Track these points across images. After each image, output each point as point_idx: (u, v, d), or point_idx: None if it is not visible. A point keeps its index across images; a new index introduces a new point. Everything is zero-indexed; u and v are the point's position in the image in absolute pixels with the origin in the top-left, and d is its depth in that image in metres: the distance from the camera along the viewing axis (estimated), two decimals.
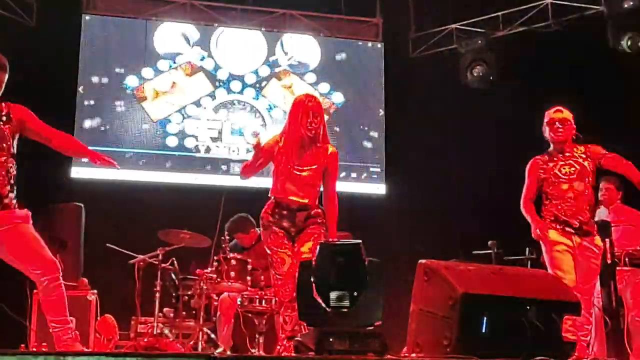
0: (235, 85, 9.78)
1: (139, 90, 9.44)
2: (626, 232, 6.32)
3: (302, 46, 10.05)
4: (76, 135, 8.84)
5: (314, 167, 5.04)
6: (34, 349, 5.97)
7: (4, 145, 4.41)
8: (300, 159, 5.05)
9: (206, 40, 9.78)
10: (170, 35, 9.74)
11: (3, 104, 4.51)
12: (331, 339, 3.57)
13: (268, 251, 5.05)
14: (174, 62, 9.65)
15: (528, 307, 3.80)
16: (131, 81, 9.41)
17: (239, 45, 9.92)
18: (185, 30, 9.78)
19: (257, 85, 9.84)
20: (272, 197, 5.09)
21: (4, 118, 4.48)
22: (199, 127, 9.58)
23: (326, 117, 5.56)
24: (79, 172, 8.82)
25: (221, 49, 9.86)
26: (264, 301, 5.88)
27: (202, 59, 9.75)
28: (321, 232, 5.02)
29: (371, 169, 9.65)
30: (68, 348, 4.03)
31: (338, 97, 9.90)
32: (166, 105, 9.55)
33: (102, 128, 9.14)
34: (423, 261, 3.95)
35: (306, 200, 5.02)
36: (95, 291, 6.60)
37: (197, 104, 9.62)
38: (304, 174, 5.03)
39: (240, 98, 9.77)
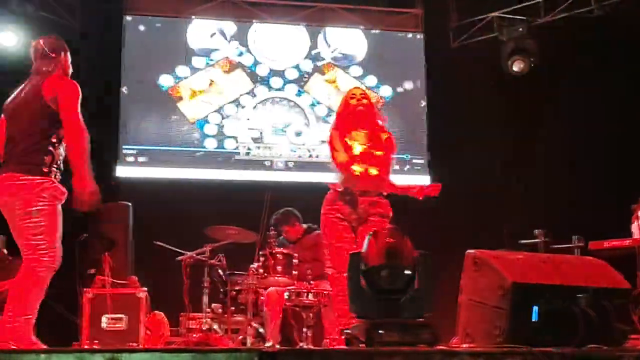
0: (276, 82, 9.65)
1: (174, 89, 9.34)
2: None
3: (347, 37, 9.91)
4: (121, 135, 8.98)
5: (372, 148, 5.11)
6: (86, 347, 6.08)
7: None
8: (356, 139, 5.11)
9: (244, 35, 9.66)
10: (206, 30, 9.59)
11: None
12: (381, 331, 3.57)
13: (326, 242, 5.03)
14: (211, 59, 9.53)
15: (579, 295, 3.76)
16: (165, 80, 9.32)
17: (279, 39, 9.77)
18: (221, 24, 9.65)
19: (299, 80, 9.70)
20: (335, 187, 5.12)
21: None
22: (239, 127, 9.44)
23: None
24: (124, 171, 8.93)
25: (260, 43, 9.73)
26: (311, 295, 5.88)
27: (240, 54, 9.63)
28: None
29: (414, 161, 9.60)
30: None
31: (386, 91, 9.79)
32: (203, 105, 9.42)
33: (145, 128, 9.20)
34: (471, 251, 3.93)
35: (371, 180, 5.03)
36: (145, 288, 6.67)
37: (237, 103, 9.50)
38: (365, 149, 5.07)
39: (282, 95, 9.64)
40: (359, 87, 5.43)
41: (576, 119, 8.93)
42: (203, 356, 3.04)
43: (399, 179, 9.09)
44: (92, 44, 8.69)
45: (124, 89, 9.10)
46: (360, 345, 3.64)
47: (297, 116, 9.61)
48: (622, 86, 8.63)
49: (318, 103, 9.66)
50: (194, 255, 6.74)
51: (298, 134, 9.51)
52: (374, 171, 5.05)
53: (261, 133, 9.50)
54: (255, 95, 9.59)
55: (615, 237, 6.89)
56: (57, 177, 4.37)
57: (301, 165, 9.41)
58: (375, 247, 3.93)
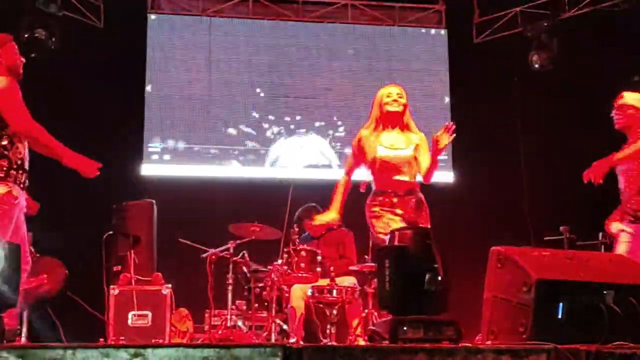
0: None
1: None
2: None
3: None
4: (146, 133, 9.03)
5: (407, 148, 5.10)
6: (113, 342, 6.12)
7: None
8: (392, 141, 5.11)
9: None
10: None
11: None
12: (405, 328, 3.56)
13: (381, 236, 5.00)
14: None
15: (605, 292, 3.73)
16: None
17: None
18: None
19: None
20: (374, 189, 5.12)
21: None
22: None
23: None
24: (149, 169, 8.98)
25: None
26: (334, 291, 5.88)
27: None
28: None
29: (438, 157, 9.54)
30: None
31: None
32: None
33: (170, 126, 9.24)
34: (496, 248, 3.91)
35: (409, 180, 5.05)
36: (170, 285, 6.71)
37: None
38: (401, 154, 5.06)
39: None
40: (396, 86, 5.38)
41: (602, 114, 8.83)
42: (227, 351, 3.05)
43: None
44: (116, 43, 8.75)
45: (148, 88, 9.14)
46: (384, 342, 3.64)
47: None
48: None
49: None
50: (218, 252, 6.77)
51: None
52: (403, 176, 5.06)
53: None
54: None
55: None
56: (18, 180, 4.32)
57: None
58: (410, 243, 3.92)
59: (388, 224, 4.97)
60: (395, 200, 5.06)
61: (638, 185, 5.03)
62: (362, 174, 5.31)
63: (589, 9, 8.93)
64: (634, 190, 5.02)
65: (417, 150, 5.16)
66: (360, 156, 5.22)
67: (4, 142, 4.25)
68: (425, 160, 5.16)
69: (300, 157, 9.40)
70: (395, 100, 5.15)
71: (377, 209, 5.07)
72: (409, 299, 3.76)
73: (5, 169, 4.24)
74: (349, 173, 5.38)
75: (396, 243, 3.96)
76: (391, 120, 5.18)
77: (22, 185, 4.36)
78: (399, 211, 5.03)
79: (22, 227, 4.45)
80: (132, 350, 3.04)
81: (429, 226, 4.96)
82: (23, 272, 4.17)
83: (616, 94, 5.38)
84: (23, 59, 4.51)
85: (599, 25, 8.85)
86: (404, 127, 5.22)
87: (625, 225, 5.03)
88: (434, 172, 5.14)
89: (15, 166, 4.28)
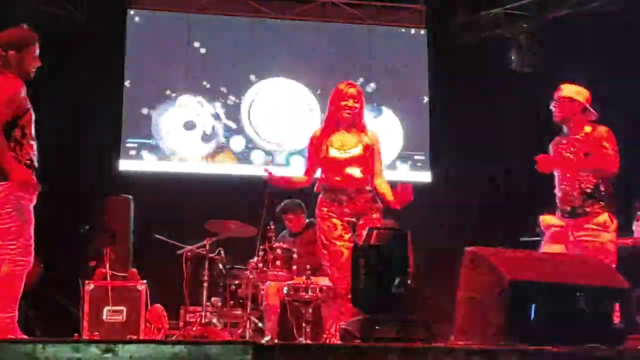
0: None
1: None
2: None
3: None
4: (124, 129, 8.98)
5: (357, 148, 5.09)
6: (87, 338, 6.09)
7: None
8: (342, 142, 5.11)
9: (236, 111, 9.31)
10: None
11: None
12: (377, 327, 3.56)
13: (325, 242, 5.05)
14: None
15: (578, 294, 3.75)
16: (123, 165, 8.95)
17: (281, 114, 9.36)
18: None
19: None
20: (322, 187, 5.13)
21: None
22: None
23: None
24: (126, 164, 8.93)
25: (255, 119, 9.34)
26: (309, 290, 5.87)
27: (230, 135, 9.28)
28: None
29: (416, 157, 9.58)
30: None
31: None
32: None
33: (148, 122, 9.15)
34: (470, 248, 3.92)
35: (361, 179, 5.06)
36: (145, 281, 6.69)
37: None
38: (350, 155, 5.07)
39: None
40: (354, 86, 5.32)
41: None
42: (198, 348, 3.05)
43: (400, 175, 9.28)
44: (95, 38, 8.70)
45: (127, 83, 9.08)
46: (356, 341, 3.64)
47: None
48: (632, 82, 8.57)
49: None
50: (194, 249, 6.75)
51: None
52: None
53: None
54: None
55: (619, 236, 6.87)
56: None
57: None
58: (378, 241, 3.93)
59: (331, 228, 5.02)
60: (343, 197, 5.05)
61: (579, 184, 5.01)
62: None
63: (570, 11, 8.93)
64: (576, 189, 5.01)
65: (368, 150, 5.15)
66: (313, 156, 5.25)
67: (12, 144, 4.26)
68: (378, 169, 5.18)
69: (278, 155, 9.36)
70: (350, 107, 5.15)
71: (325, 209, 5.09)
72: (381, 299, 3.76)
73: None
74: (306, 173, 5.36)
75: (373, 242, 3.96)
76: (345, 123, 5.19)
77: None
78: (347, 210, 5.04)
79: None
80: (103, 346, 3.04)
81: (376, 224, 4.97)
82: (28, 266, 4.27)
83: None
84: (39, 63, 4.48)
85: (581, 27, 8.88)
86: (357, 128, 5.21)
87: (559, 219, 5.03)
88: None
89: (24, 166, 4.29)
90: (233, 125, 9.35)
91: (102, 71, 8.71)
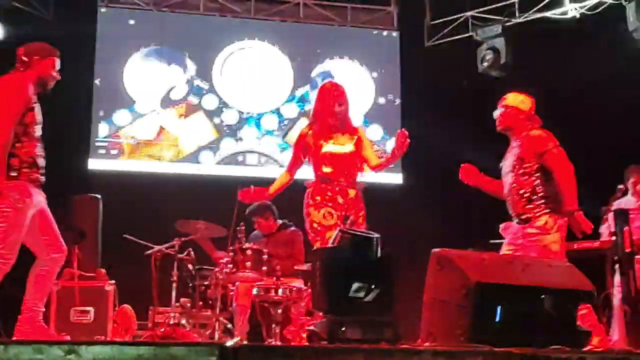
0: (249, 132, 8.87)
1: (112, 141, 8.74)
2: None
3: (352, 74, 9.31)
4: (93, 127, 8.90)
5: (350, 145, 5.23)
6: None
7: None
8: (335, 140, 5.25)
9: (206, 67, 8.97)
10: (153, 61, 8.84)
11: None
12: (343, 328, 3.56)
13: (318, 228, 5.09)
14: (162, 101, 8.78)
15: (543, 296, 3.77)
16: (101, 130, 8.66)
17: (253, 73, 8.95)
18: (175, 55, 8.91)
19: (280, 129, 8.96)
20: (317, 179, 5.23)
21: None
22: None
23: None
24: (96, 164, 8.86)
25: (228, 78, 8.90)
26: (280, 291, 5.86)
27: (202, 94, 8.92)
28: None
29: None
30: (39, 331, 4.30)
31: (390, 146, 9.22)
32: (150, 161, 8.71)
33: (116, 121, 9.06)
34: (436, 250, 3.93)
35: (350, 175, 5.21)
36: (113, 281, 6.64)
37: (194, 159, 8.85)
38: (344, 151, 5.20)
39: (256, 148, 8.92)
40: (337, 89, 5.40)
41: (551, 119, 8.96)
42: (163, 350, 3.02)
43: (372, 177, 9.27)
44: (65, 35, 8.59)
45: (97, 81, 9.01)
46: (322, 342, 3.63)
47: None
48: (597, 87, 8.67)
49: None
50: (163, 249, 6.70)
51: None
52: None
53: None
54: (218, 149, 8.85)
55: (586, 239, 6.93)
56: (31, 178, 4.41)
57: (275, 161, 9.21)
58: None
59: (325, 216, 5.08)
60: (337, 189, 5.16)
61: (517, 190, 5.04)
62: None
63: (539, 15, 9.02)
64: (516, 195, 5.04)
65: (360, 145, 5.31)
66: (302, 153, 5.37)
67: (14, 142, 4.34)
68: (371, 154, 5.38)
69: (249, 156, 9.31)
70: (337, 112, 5.26)
71: (318, 198, 5.16)
72: (339, 302, 3.76)
73: (16, 167, 4.35)
74: (290, 170, 5.46)
75: (334, 244, 3.97)
76: (334, 125, 5.32)
77: (36, 183, 4.46)
78: (340, 199, 5.13)
79: (46, 221, 4.55)
80: (65, 347, 3.00)
81: (362, 227, 5.01)
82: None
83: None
84: (58, 76, 4.70)
85: (548, 31, 8.95)
86: (346, 127, 5.36)
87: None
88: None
89: (26, 164, 4.38)
90: (205, 85, 9.13)
91: (72, 68, 8.61)
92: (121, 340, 5.80)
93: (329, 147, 5.23)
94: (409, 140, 5.14)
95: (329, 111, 5.24)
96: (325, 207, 5.11)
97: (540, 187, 4.94)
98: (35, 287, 4.54)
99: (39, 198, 4.50)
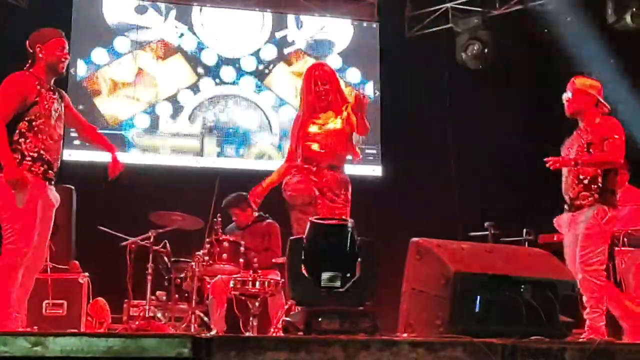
0: (227, 73, 8.73)
1: (90, 80, 8.42)
2: (632, 212, 6.22)
3: (327, 19, 9.11)
4: None
5: (337, 123, 5.07)
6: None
7: (64, 123, 4.69)
8: (323, 120, 5.10)
9: (187, 12, 8.61)
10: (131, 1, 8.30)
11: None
12: (320, 319, 3.49)
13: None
14: (139, 41, 8.49)
15: (523, 286, 3.72)
16: (79, 69, 8.26)
17: (233, 17, 8.70)
18: None
19: (259, 72, 8.78)
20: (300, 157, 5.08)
21: (60, 97, 4.68)
22: (175, 133, 8.46)
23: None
24: (70, 154, 8.70)
25: (208, 22, 8.64)
26: (257, 283, 5.78)
27: (181, 36, 8.58)
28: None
29: (367, 151, 9.51)
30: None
31: (370, 89, 9.34)
32: (127, 101, 8.42)
33: (94, 108, 8.80)
34: (415, 239, 3.87)
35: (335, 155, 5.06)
36: (87, 274, 6.52)
37: (173, 100, 8.58)
38: (328, 129, 5.05)
39: (235, 91, 8.71)
40: (319, 68, 5.29)
41: (530, 111, 8.97)
42: (133, 341, 2.94)
43: (351, 169, 9.21)
44: (40, 24, 8.42)
45: (72, 70, 8.84)
46: (298, 334, 3.55)
47: (256, 120, 8.72)
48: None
49: (283, 103, 8.81)
50: (138, 241, 6.61)
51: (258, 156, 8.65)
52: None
53: (202, 141, 8.67)
54: (199, 91, 8.63)
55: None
56: (34, 169, 4.43)
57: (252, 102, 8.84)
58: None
59: (303, 184, 4.96)
60: (314, 169, 5.01)
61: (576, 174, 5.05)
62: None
63: (519, 7, 9.00)
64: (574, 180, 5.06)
65: (348, 119, 5.10)
66: (296, 138, 5.19)
67: (16, 137, 4.41)
68: (360, 120, 5.11)
69: (230, 147, 9.20)
70: (321, 92, 5.11)
71: (299, 176, 5.03)
72: (314, 292, 3.68)
73: (18, 161, 4.39)
74: (288, 160, 5.30)
75: (306, 235, 3.89)
76: (321, 107, 5.17)
77: (41, 176, 4.46)
78: (314, 178, 5.00)
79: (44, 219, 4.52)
80: (32, 339, 2.91)
81: (346, 211, 4.91)
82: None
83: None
84: (67, 56, 4.67)
85: (528, 23, 8.94)
86: (334, 107, 5.18)
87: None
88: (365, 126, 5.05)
89: (29, 158, 4.42)
90: (184, 27, 8.88)
91: None
92: (89, 332, 5.69)
93: (313, 128, 5.09)
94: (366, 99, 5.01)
95: (312, 92, 5.10)
96: (305, 183, 4.97)
97: (600, 177, 4.97)
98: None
99: (42, 191, 4.49)
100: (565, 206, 5.11)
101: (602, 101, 5.12)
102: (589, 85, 5.15)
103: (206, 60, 8.76)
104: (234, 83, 8.73)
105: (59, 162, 4.66)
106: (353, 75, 9.35)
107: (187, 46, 8.67)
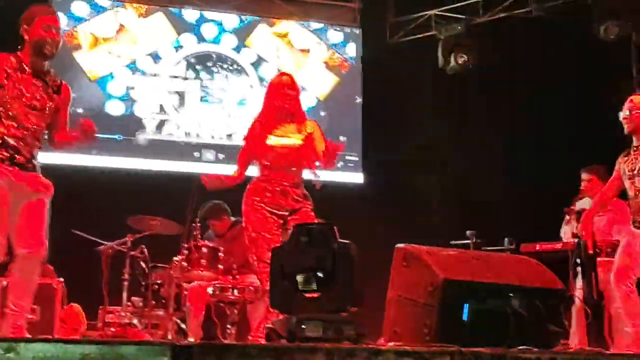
0: (209, 30, 8.62)
1: (70, 35, 8.15)
2: (611, 222, 6.19)
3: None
4: None
5: (298, 139, 4.91)
6: None
7: (46, 114, 4.32)
8: (283, 132, 4.92)
9: None
10: None
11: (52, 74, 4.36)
12: (303, 326, 3.39)
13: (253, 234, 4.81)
14: None
15: (511, 295, 3.65)
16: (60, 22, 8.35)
17: None
18: None
19: (240, 32, 8.75)
20: (258, 176, 4.91)
21: (55, 89, 4.35)
22: (156, 89, 8.19)
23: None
24: (45, 157, 8.50)
25: None
26: (236, 290, 5.69)
27: None
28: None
29: (348, 157, 9.45)
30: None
31: (351, 50, 9.31)
32: (109, 57, 8.18)
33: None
34: (402, 245, 3.79)
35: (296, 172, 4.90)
36: (62, 279, 6.38)
37: (155, 56, 8.42)
38: (290, 145, 4.88)
39: (216, 49, 8.61)
40: (288, 75, 5.18)
41: (512, 119, 8.96)
42: (111, 349, 2.82)
43: (332, 176, 9.16)
44: (12, 19, 8.27)
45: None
46: (281, 341, 3.45)
47: (238, 79, 8.67)
48: (557, 87, 8.67)
49: (263, 61, 8.78)
50: (115, 245, 6.48)
51: (240, 103, 8.43)
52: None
53: (182, 98, 8.43)
54: (181, 47, 8.50)
55: (549, 241, 6.88)
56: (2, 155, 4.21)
57: (232, 155, 8.93)
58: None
59: (261, 220, 4.79)
60: (278, 189, 4.84)
61: None
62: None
63: (503, 15, 9.01)
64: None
65: (310, 139, 4.97)
66: (250, 148, 5.01)
67: None
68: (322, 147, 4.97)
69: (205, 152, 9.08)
70: (287, 96, 4.96)
71: (257, 199, 4.84)
72: (293, 299, 3.58)
73: None
74: (240, 168, 5.08)
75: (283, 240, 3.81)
76: (284, 114, 4.99)
77: (7, 162, 4.22)
78: (281, 203, 4.83)
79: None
80: (4, 345, 2.78)
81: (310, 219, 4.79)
82: None
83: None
84: (54, 37, 4.25)
85: (512, 31, 8.94)
86: (297, 118, 5.03)
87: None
88: (334, 160, 4.90)
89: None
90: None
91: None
92: (65, 338, 5.55)
93: (273, 139, 4.89)
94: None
95: (281, 95, 4.93)
96: (261, 211, 4.81)
97: None
98: None
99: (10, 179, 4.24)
100: None
101: None
102: None
103: (188, 18, 8.68)
104: (214, 41, 8.68)
105: (35, 152, 4.42)
106: (335, 36, 9.36)
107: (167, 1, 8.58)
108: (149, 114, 8.26)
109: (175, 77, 8.39)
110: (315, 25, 9.20)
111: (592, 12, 8.19)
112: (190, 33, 8.54)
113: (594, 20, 8.14)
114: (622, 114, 5.22)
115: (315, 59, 9.20)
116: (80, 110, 7.68)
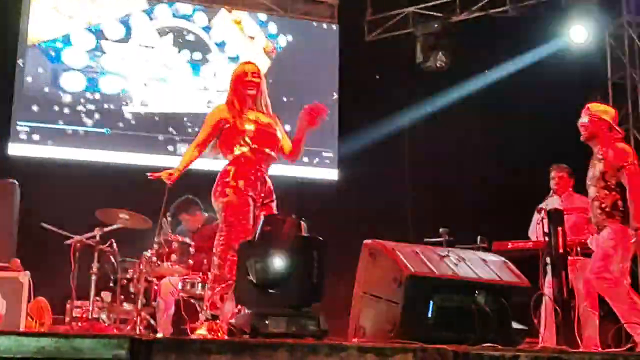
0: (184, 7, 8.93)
1: None
2: (578, 220, 6.20)
3: None
4: (15, 110, 8.49)
5: (271, 126, 4.83)
6: None
7: None
8: (256, 117, 4.81)
9: None
10: None
11: None
12: (267, 321, 3.34)
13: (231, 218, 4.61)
14: None
15: (477, 291, 3.63)
16: None
17: None
18: None
19: (210, 12, 9.05)
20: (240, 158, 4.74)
21: None
22: (123, 57, 8.43)
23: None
24: (15, 149, 8.43)
25: None
26: (206, 285, 5.62)
27: None
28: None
29: (323, 154, 9.42)
30: None
31: (282, 41, 9.48)
32: (62, 18, 8.36)
33: (42, 102, 8.62)
34: (368, 241, 3.75)
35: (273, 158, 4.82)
36: (28, 272, 6.27)
37: (124, 23, 8.70)
38: (266, 121, 4.82)
39: (187, 26, 8.94)
40: (252, 63, 5.05)
41: (487, 118, 8.97)
42: (67, 342, 2.76)
43: (307, 172, 9.13)
44: None
45: (20, 62, 8.57)
46: (244, 336, 3.41)
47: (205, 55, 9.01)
48: (532, 87, 8.69)
49: (225, 43, 9.10)
50: (83, 239, 6.39)
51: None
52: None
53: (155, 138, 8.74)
54: (155, 18, 8.76)
55: (522, 239, 6.89)
56: None
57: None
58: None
59: (244, 205, 4.60)
60: (259, 174, 4.70)
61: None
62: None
63: (480, 14, 9.02)
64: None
65: (278, 129, 4.92)
66: (212, 129, 4.82)
67: None
68: (287, 140, 4.96)
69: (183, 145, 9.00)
70: (252, 83, 4.86)
71: (241, 182, 4.62)
72: (256, 292, 3.53)
73: None
74: (200, 145, 4.85)
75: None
76: (250, 101, 4.87)
77: None
78: (259, 188, 4.69)
79: None
80: None
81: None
82: None
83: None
84: None
85: (489, 29, 8.95)
86: (264, 107, 4.94)
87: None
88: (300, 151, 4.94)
89: None
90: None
91: None
92: (19, 331, 5.47)
93: (251, 125, 4.74)
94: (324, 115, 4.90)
95: (245, 82, 4.82)
96: (245, 195, 4.60)
97: (620, 201, 5.13)
98: None
99: None
100: None
101: (616, 127, 5.26)
102: (602, 111, 5.30)
103: None
104: (187, 18, 8.96)
105: None
106: (272, 27, 9.52)
107: None
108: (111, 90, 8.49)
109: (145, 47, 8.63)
110: (262, 16, 9.44)
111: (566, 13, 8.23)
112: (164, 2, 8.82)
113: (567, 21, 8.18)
114: (580, 121, 5.31)
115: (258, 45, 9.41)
116: None
